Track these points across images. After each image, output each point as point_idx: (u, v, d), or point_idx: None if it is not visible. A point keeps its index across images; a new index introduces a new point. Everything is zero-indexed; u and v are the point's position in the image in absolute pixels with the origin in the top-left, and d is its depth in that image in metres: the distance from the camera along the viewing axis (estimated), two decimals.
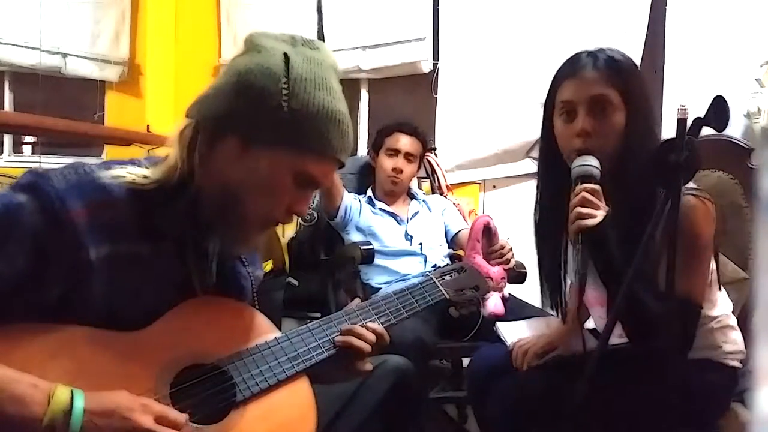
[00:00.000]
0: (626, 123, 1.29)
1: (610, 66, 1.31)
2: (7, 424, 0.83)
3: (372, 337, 1.11)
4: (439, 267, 2.32)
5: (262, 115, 0.95)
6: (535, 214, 1.48)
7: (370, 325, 1.13)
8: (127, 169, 0.98)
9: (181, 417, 0.90)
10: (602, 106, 1.29)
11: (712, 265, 1.36)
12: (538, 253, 1.48)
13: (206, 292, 1.07)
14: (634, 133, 1.29)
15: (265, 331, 1.09)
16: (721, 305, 1.43)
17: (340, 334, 1.11)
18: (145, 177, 0.98)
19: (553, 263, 1.44)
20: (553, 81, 1.39)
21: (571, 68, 1.35)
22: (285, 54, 0.97)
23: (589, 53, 1.34)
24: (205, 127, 0.98)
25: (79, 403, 0.84)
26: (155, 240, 0.99)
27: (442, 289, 1.26)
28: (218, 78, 1.01)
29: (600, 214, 1.23)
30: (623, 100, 1.29)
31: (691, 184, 1.25)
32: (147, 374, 0.92)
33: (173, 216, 0.99)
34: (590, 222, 1.22)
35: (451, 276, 1.31)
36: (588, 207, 1.23)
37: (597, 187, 1.25)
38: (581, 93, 1.30)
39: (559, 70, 1.39)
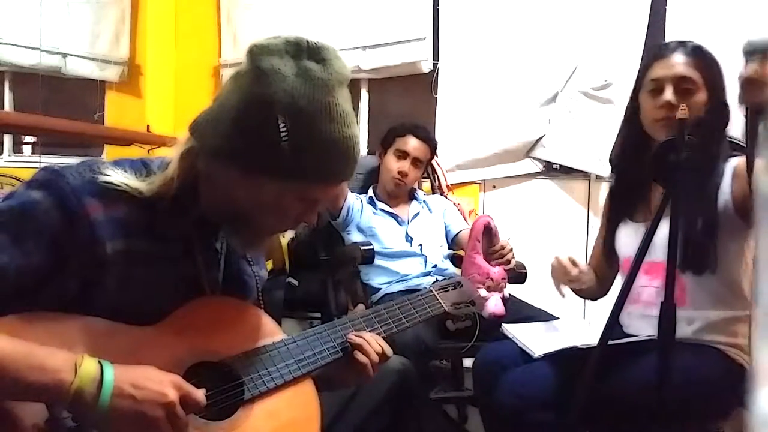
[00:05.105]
0: (706, 102, 1.45)
1: (696, 53, 1.49)
2: (30, 392, 0.82)
3: (378, 348, 1.14)
4: (439, 267, 2.34)
5: (262, 151, 0.93)
6: (612, 190, 1.69)
7: (380, 339, 1.16)
8: (123, 179, 0.97)
9: (202, 398, 0.91)
10: (686, 85, 1.46)
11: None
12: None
13: (214, 291, 1.08)
14: (712, 112, 1.43)
15: (271, 332, 1.11)
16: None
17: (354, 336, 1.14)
18: (140, 192, 0.97)
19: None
20: (643, 63, 1.58)
21: (661, 51, 1.53)
22: (284, 88, 0.93)
23: (679, 42, 1.53)
24: (205, 154, 0.98)
25: (109, 373, 0.84)
26: (166, 237, 1.00)
27: (441, 302, 1.31)
28: (221, 95, 0.99)
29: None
30: (705, 82, 1.46)
31: None
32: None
33: (182, 218, 1.00)
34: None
35: (448, 290, 1.35)
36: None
37: None
38: (669, 71, 1.48)
39: (650, 54, 1.59)
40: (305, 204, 1.01)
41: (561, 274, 1.61)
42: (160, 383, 0.86)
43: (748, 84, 1.16)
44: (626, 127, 1.60)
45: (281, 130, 0.92)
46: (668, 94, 1.46)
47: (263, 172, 0.95)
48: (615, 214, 1.66)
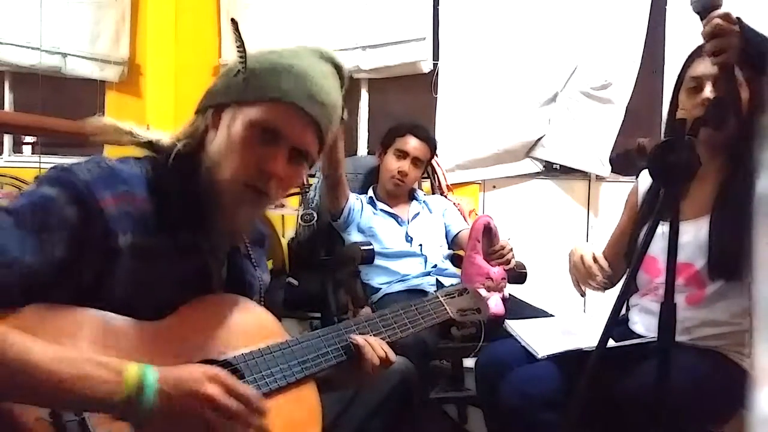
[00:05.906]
0: (748, 102, 1.38)
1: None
2: (78, 402, 0.83)
3: (382, 353, 1.14)
4: (439, 267, 2.34)
5: (226, 82, 1.04)
6: (651, 188, 1.59)
7: (384, 345, 1.16)
8: (143, 133, 1.06)
9: (255, 393, 0.90)
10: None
11: None
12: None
13: (218, 288, 1.08)
14: (753, 113, 1.37)
15: (276, 333, 1.11)
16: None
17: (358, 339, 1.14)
18: (157, 140, 1.06)
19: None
20: (686, 59, 1.50)
21: (703, 49, 1.42)
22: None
23: None
24: (203, 110, 1.07)
25: (151, 377, 0.84)
26: (173, 234, 1.00)
27: (447, 308, 1.31)
28: None
29: None
30: (749, 81, 1.38)
31: None
32: (161, 365, 0.92)
33: (187, 208, 1.01)
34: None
35: (454, 296, 1.35)
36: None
37: None
38: (710, 69, 1.40)
39: (694, 50, 1.49)
40: (262, 139, 0.99)
41: (585, 275, 1.56)
42: (197, 381, 0.86)
43: (713, 39, 1.19)
44: (667, 125, 1.56)
45: (239, 57, 1.01)
46: (707, 91, 1.42)
47: (225, 102, 1.02)
48: (649, 211, 1.58)
